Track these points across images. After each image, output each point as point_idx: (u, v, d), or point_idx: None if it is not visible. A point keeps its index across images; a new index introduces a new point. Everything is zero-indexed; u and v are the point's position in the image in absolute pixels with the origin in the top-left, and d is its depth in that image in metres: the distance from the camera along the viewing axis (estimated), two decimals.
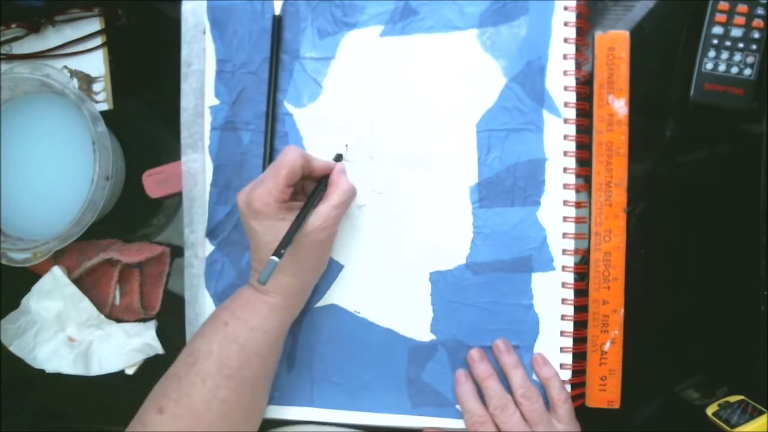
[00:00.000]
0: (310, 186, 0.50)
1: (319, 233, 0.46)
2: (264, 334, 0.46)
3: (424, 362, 0.52)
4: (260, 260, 0.47)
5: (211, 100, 0.54)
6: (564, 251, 0.51)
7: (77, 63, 0.57)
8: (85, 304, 0.55)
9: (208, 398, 0.44)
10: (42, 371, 0.55)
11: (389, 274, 0.52)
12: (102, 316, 0.55)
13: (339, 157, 0.52)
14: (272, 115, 0.53)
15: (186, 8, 0.54)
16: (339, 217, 0.48)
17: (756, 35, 0.51)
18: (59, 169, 0.54)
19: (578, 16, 0.52)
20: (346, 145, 0.52)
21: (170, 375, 0.46)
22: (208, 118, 0.54)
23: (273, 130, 0.53)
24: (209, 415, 0.44)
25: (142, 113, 0.58)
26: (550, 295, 0.51)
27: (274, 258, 0.43)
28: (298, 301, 0.49)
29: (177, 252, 0.56)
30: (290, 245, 0.45)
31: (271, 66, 0.53)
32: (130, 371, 0.56)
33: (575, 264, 0.52)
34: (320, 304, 0.53)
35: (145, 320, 0.56)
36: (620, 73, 0.52)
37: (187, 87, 0.54)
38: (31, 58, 0.56)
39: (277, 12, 0.53)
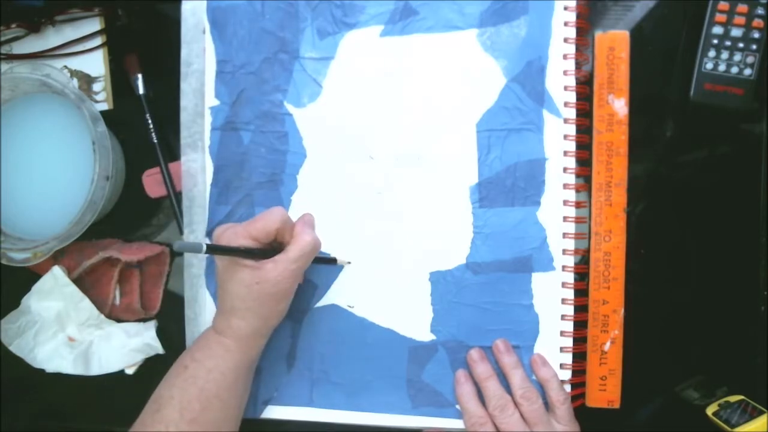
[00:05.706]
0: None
1: (273, 286, 0.45)
2: (221, 375, 0.46)
3: (424, 362, 0.52)
4: (221, 304, 0.47)
5: (211, 100, 0.54)
6: (564, 251, 0.51)
7: (77, 63, 0.57)
8: (85, 303, 0.55)
9: None
10: (42, 371, 0.55)
11: (389, 274, 0.52)
12: (102, 316, 0.55)
13: (332, 261, 0.51)
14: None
15: (186, 8, 0.54)
16: (297, 271, 0.46)
17: (756, 35, 0.51)
18: (59, 169, 0.54)
19: (578, 16, 0.52)
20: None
21: (137, 423, 0.46)
22: (208, 119, 0.54)
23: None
24: None
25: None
26: (550, 295, 0.51)
27: (202, 244, 0.41)
28: (252, 345, 0.48)
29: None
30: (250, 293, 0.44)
31: None
32: (130, 371, 0.56)
33: (575, 264, 0.52)
34: (320, 304, 0.53)
35: (145, 320, 0.56)
36: (620, 73, 0.52)
37: (186, 87, 0.54)
38: (31, 58, 0.56)
39: None
